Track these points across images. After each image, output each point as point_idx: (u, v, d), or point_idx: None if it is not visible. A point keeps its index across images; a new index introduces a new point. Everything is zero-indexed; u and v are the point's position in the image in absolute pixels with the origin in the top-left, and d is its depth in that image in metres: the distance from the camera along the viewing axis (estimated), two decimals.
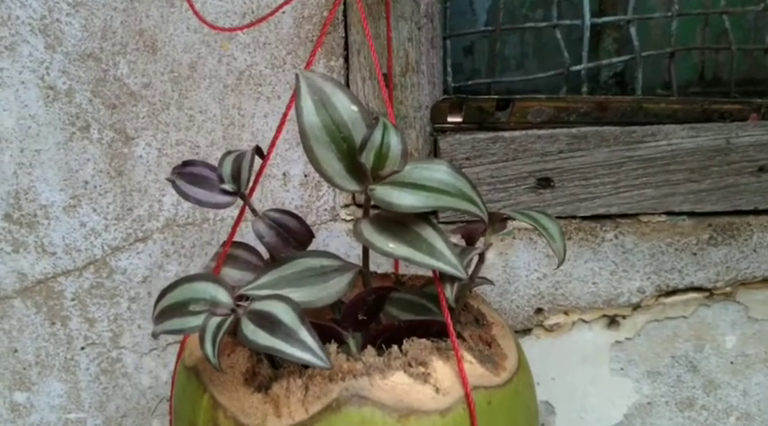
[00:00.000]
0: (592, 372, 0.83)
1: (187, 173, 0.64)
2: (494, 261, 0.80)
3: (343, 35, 0.75)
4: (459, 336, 0.59)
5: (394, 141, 0.56)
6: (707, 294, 0.81)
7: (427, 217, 0.56)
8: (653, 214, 0.78)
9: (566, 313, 0.81)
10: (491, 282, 0.65)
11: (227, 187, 0.63)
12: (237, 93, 0.75)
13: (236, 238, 0.63)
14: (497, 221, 0.63)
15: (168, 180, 0.64)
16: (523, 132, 0.75)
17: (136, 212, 0.77)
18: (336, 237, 0.79)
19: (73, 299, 0.79)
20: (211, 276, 0.53)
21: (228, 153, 0.65)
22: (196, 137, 0.75)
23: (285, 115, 0.61)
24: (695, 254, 0.80)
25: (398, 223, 0.57)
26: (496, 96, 0.75)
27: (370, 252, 0.57)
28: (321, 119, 0.56)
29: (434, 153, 0.77)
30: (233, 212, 0.76)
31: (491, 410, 0.54)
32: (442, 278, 0.55)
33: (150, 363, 0.82)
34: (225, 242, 0.65)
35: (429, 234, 0.56)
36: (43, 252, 0.78)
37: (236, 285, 0.64)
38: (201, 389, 0.56)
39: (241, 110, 0.75)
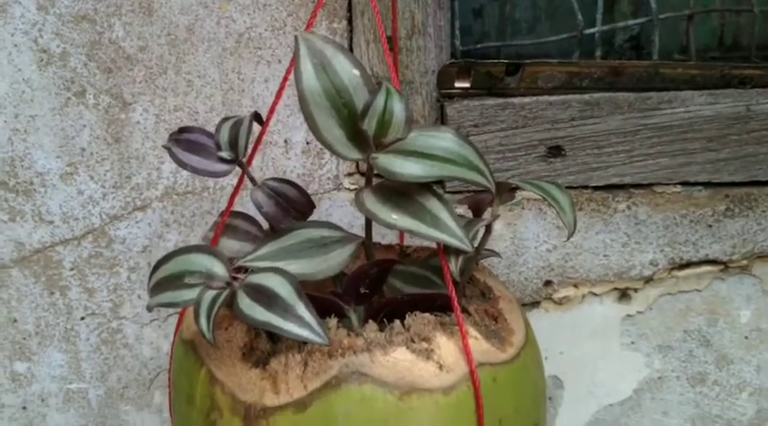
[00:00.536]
0: (601, 346, 0.81)
1: (183, 140, 0.62)
2: (502, 232, 0.77)
3: None
4: (465, 311, 0.57)
5: (397, 107, 0.54)
6: (722, 267, 0.79)
7: (431, 187, 0.54)
8: (668, 184, 0.76)
9: (575, 286, 0.79)
10: (498, 254, 0.63)
11: (225, 155, 0.60)
12: (237, 56, 0.72)
13: (236, 207, 0.61)
14: (505, 191, 0.61)
15: (164, 147, 0.62)
16: (534, 98, 0.72)
17: (134, 180, 0.75)
18: (340, 207, 0.76)
19: (72, 269, 0.78)
20: (207, 248, 0.51)
21: (226, 119, 0.63)
22: (195, 103, 0.73)
23: (285, 79, 0.58)
24: (711, 226, 0.77)
25: (402, 193, 0.54)
26: (506, 60, 0.72)
27: (374, 222, 0.55)
28: (321, 84, 0.54)
29: (441, 119, 0.74)
30: (233, 180, 0.74)
31: (497, 387, 0.52)
32: (447, 250, 0.53)
33: (151, 334, 0.80)
34: (223, 211, 0.63)
35: (433, 205, 0.54)
36: (40, 221, 0.76)
37: (234, 256, 0.62)
38: (199, 363, 0.54)
39: (240, 75, 0.73)
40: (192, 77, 0.72)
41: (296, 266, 0.60)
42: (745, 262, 0.78)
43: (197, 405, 0.53)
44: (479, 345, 0.53)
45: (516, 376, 0.55)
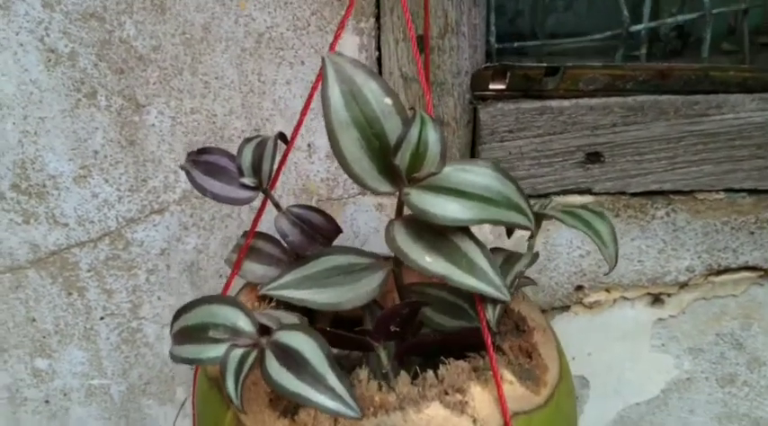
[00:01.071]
0: (630, 348, 0.79)
1: (203, 162, 0.58)
2: None
3: None
4: (499, 349, 0.54)
5: (432, 138, 0.50)
6: (761, 273, 0.75)
7: (468, 227, 0.51)
8: (710, 191, 0.72)
9: (607, 290, 0.77)
10: (534, 283, 0.60)
11: (248, 181, 0.57)
12: (257, 57, 0.67)
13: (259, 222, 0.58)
14: (542, 222, 0.58)
15: (182, 168, 0.58)
16: (573, 102, 0.68)
17: (150, 183, 0.72)
18: (365, 212, 0.73)
19: (89, 270, 0.75)
20: (231, 299, 0.49)
21: (248, 140, 0.59)
22: (212, 105, 0.69)
23: (310, 97, 0.54)
24: (753, 233, 0.73)
25: (436, 231, 0.51)
26: (545, 64, 0.67)
27: None
28: (351, 114, 0.50)
29: (474, 123, 0.70)
30: None
31: None
32: (483, 298, 0.50)
33: None
34: (246, 232, 0.61)
35: (469, 247, 0.51)
36: (55, 224, 0.73)
37: (258, 281, 0.60)
38: (225, 406, 0.53)
39: (261, 77, 0.68)
40: (209, 79, 0.68)
41: (323, 296, 0.58)
42: None
43: None
44: (514, 391, 0.51)
45: (549, 419, 0.54)
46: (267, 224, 0.64)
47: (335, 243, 0.62)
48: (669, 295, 0.76)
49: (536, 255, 0.55)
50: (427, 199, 0.50)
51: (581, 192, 0.72)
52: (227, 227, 0.74)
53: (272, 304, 0.59)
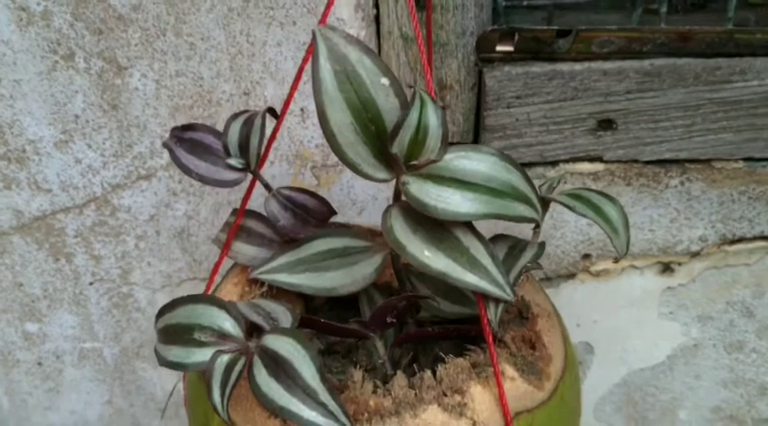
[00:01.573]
0: (637, 316, 0.77)
1: (187, 140, 0.54)
2: None
3: None
4: (500, 341, 0.52)
5: (433, 122, 0.46)
6: None
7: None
8: (728, 160, 0.67)
9: (615, 259, 0.73)
10: (540, 267, 0.57)
11: (235, 162, 0.53)
12: (245, 17, 0.62)
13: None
14: (548, 206, 0.54)
15: (165, 146, 0.54)
16: (586, 65, 0.63)
17: (136, 149, 0.68)
18: (362, 179, 0.69)
19: (76, 236, 0.72)
20: (217, 299, 0.46)
21: (235, 116, 0.55)
22: (199, 68, 0.64)
23: (304, 62, 0.50)
24: None
25: (435, 219, 0.48)
26: (556, 27, 0.62)
27: None
28: (344, 97, 0.46)
29: (479, 87, 0.65)
30: None
31: None
32: (485, 297, 0.47)
33: (164, 299, 0.76)
34: (235, 210, 0.57)
35: (471, 242, 0.47)
36: (38, 189, 0.70)
37: (249, 263, 0.57)
38: None
39: (250, 38, 0.63)
40: (194, 40, 0.63)
41: (317, 281, 0.55)
42: None
43: None
44: (516, 388, 0.49)
45: (552, 413, 0.52)
46: (258, 200, 0.61)
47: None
48: (680, 263, 0.73)
49: (542, 245, 0.52)
50: (428, 190, 0.47)
51: (591, 160, 0.68)
52: (218, 194, 0.70)
53: (264, 287, 0.56)
